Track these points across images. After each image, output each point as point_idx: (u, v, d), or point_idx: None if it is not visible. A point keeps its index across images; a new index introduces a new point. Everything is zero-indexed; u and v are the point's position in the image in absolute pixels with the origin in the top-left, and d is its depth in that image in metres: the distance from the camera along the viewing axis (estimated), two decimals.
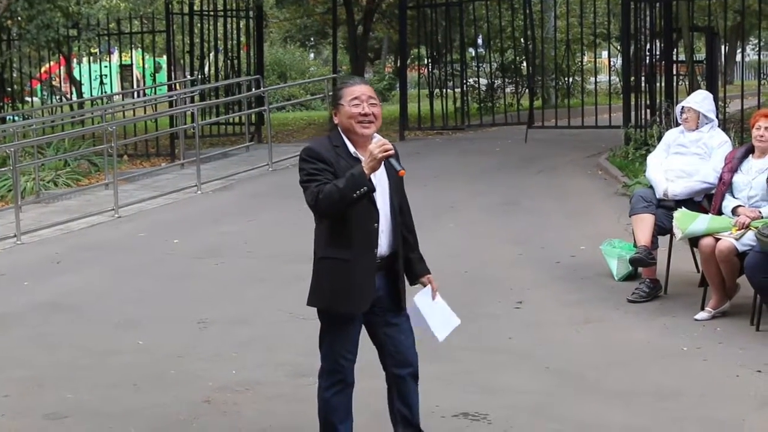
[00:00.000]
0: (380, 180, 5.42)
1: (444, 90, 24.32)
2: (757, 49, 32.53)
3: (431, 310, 5.82)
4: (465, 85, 25.50)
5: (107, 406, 7.12)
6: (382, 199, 5.48)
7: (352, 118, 5.40)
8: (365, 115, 5.40)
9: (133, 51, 24.70)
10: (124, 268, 11.27)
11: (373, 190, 5.30)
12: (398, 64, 29.10)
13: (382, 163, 5.28)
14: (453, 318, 5.89)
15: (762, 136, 8.83)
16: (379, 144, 5.26)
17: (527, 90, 25.61)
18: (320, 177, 5.32)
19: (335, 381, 5.65)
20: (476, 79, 28.09)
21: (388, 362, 5.75)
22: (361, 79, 5.67)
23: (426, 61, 25.54)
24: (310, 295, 5.60)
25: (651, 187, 9.81)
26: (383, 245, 5.52)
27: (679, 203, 9.40)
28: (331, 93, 5.65)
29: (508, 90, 28.03)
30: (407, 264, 5.75)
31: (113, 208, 14.60)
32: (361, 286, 5.48)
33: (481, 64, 28.49)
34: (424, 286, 5.82)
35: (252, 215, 14.11)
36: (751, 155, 8.96)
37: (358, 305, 5.52)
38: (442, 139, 23.21)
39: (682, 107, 9.82)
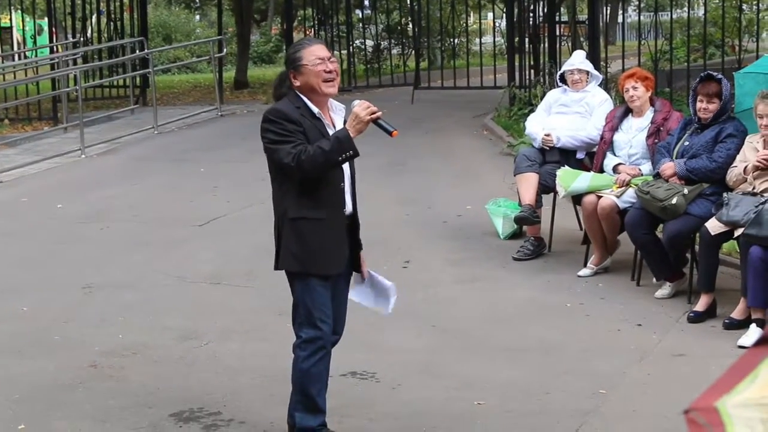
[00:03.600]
0: None
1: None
2: (638, 10, 33.02)
3: (367, 296, 5.87)
4: (351, 47, 25.49)
5: None
6: None
7: (317, 77, 5.39)
8: (329, 71, 5.41)
9: (13, 12, 24.19)
10: (6, 234, 11.06)
11: (358, 154, 5.32)
12: (285, 26, 28.94)
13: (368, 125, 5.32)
14: (385, 290, 5.90)
15: (632, 97, 9.00)
16: (364, 107, 5.31)
17: (413, 51, 25.69)
18: (293, 138, 5.30)
19: (316, 349, 5.52)
20: (363, 40, 28.09)
21: None
22: (316, 39, 5.78)
23: (313, 23, 25.44)
24: (283, 259, 5.51)
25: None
26: (348, 205, 5.58)
27: (562, 157, 9.56)
28: (285, 56, 5.67)
29: (394, 51, 28.04)
30: None
31: None
32: (336, 245, 5.51)
33: (367, 26, 28.48)
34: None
35: (137, 179, 13.96)
36: (630, 114, 9.12)
37: (335, 265, 5.52)
38: None
39: (570, 71, 9.87)
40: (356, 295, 5.85)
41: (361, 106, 5.32)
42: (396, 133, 5.41)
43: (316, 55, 5.42)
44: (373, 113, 5.31)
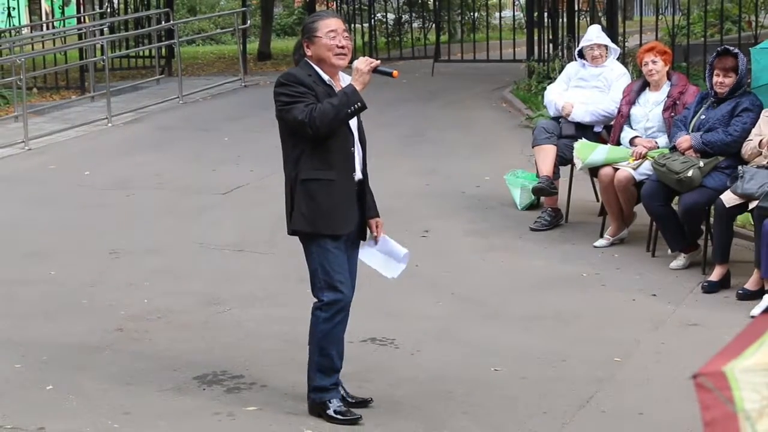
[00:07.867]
0: None
1: (353, 25, 24.28)
2: None
3: (376, 258, 5.96)
4: (373, 20, 25.51)
5: (18, 335, 7.19)
6: (353, 124, 5.72)
7: (329, 50, 5.61)
8: (341, 47, 5.62)
9: None
10: (35, 200, 11.20)
11: (365, 107, 5.54)
12: None
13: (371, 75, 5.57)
14: (398, 256, 6.00)
15: (650, 70, 9.08)
16: (362, 60, 5.58)
17: (434, 24, 25.69)
18: (305, 98, 5.52)
19: (338, 309, 5.68)
20: (384, 13, 28.07)
21: None
22: (333, 12, 5.98)
23: None
24: (295, 220, 5.68)
25: (553, 118, 10.03)
26: (357, 169, 5.75)
27: (579, 130, 9.66)
28: (302, 25, 5.88)
29: (415, 25, 27.99)
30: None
31: (23, 140, 14.41)
32: (345, 206, 5.67)
33: None
34: (371, 230, 5.94)
35: (162, 147, 14.05)
36: (647, 88, 9.20)
37: (344, 226, 5.67)
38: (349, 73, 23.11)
39: (590, 46, 9.89)
40: (365, 255, 5.95)
41: (361, 61, 5.57)
42: (396, 74, 5.67)
43: (329, 28, 5.61)
44: (371, 63, 5.55)
